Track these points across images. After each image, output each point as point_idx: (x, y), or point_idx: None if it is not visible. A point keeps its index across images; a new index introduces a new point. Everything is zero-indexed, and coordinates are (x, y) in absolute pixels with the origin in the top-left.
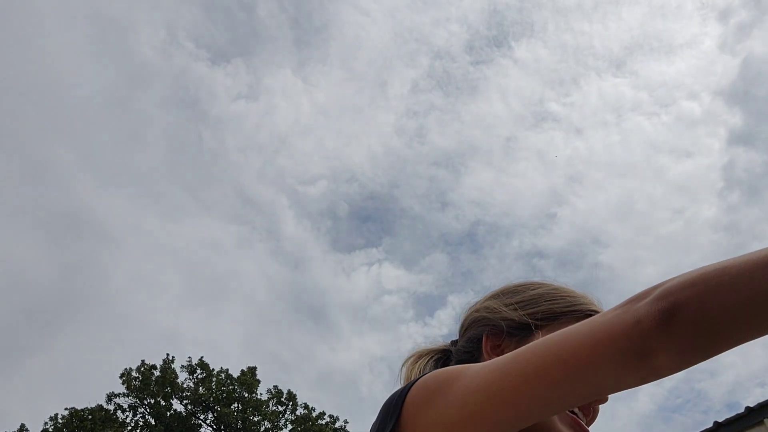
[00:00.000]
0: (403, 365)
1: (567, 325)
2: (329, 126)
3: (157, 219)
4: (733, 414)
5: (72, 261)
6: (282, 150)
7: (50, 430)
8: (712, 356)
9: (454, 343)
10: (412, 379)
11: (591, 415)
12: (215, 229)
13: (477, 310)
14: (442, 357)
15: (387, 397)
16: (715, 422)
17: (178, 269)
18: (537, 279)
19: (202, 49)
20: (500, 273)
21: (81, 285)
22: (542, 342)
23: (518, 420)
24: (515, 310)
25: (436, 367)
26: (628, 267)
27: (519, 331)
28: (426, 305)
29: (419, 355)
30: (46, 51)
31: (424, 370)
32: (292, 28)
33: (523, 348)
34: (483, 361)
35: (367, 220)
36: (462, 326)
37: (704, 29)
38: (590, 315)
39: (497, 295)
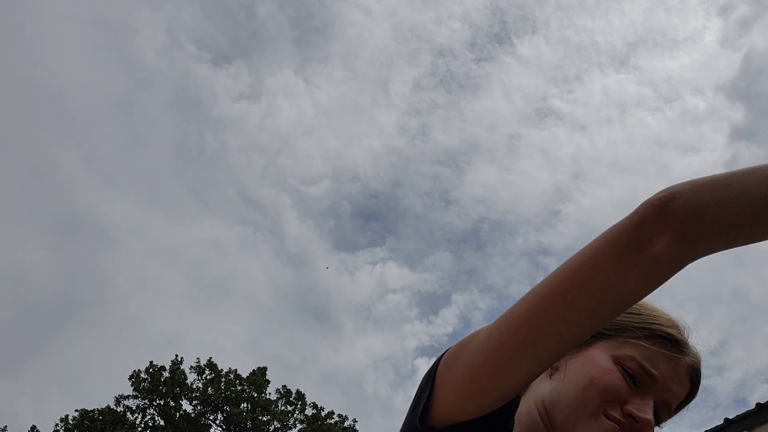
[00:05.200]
0: None
1: (635, 341)
2: (331, 126)
3: (161, 220)
4: (741, 410)
5: (78, 263)
6: (284, 150)
7: (61, 431)
8: (711, 248)
9: None
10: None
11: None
12: (219, 230)
13: None
14: None
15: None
16: (726, 419)
17: (182, 270)
18: None
19: (204, 51)
20: (504, 271)
21: (87, 287)
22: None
23: (539, 344)
24: None
25: None
26: None
27: None
28: (430, 304)
29: None
30: (50, 55)
31: None
32: (293, 29)
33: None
34: None
35: (370, 219)
36: None
37: (706, 24)
38: (661, 336)
39: None
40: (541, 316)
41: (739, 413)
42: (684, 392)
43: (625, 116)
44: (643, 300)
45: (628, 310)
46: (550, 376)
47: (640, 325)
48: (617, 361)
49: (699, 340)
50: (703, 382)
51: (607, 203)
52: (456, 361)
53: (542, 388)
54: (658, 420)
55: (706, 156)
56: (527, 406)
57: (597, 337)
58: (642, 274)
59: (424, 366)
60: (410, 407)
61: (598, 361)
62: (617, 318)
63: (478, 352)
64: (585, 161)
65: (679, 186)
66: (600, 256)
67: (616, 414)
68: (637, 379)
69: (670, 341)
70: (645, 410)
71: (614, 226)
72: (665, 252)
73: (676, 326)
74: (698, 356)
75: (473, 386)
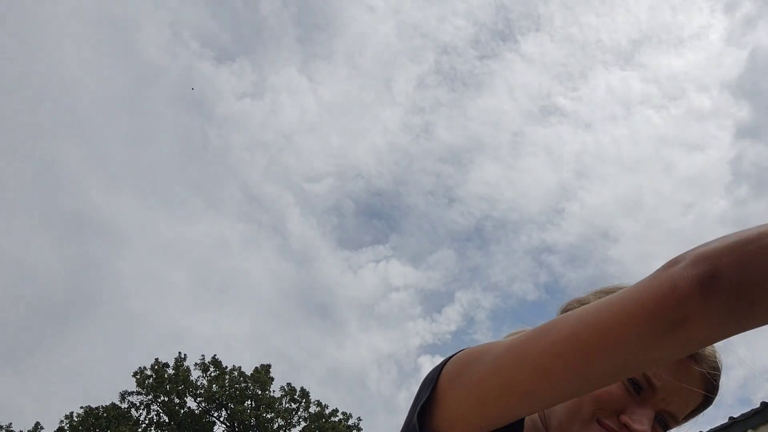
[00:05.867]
0: None
1: None
2: (335, 123)
3: (164, 218)
4: (746, 409)
5: (82, 260)
6: (287, 148)
7: (66, 428)
8: (750, 327)
9: None
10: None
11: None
12: (222, 228)
13: (572, 302)
14: None
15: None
16: (730, 417)
17: (186, 267)
18: None
19: (207, 48)
20: (508, 269)
21: (91, 284)
22: (576, 312)
23: (552, 392)
24: None
25: None
26: (638, 262)
27: None
28: (433, 302)
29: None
30: (53, 52)
31: None
32: (297, 26)
33: (556, 319)
34: None
35: (373, 217)
36: (558, 312)
37: (711, 21)
38: None
39: (597, 292)
40: (558, 367)
41: (743, 412)
42: (694, 403)
43: (630, 114)
44: None
45: None
46: None
47: None
48: None
49: None
50: None
51: (611, 201)
52: (460, 379)
53: None
54: (666, 427)
55: (711, 154)
56: None
57: None
58: (675, 348)
59: (427, 364)
60: (409, 411)
61: None
62: None
63: (485, 380)
64: (589, 159)
65: (721, 254)
66: (631, 327)
67: (610, 422)
68: (638, 387)
69: None
70: (641, 421)
71: (648, 293)
72: (705, 333)
73: None
74: (716, 364)
75: (476, 410)
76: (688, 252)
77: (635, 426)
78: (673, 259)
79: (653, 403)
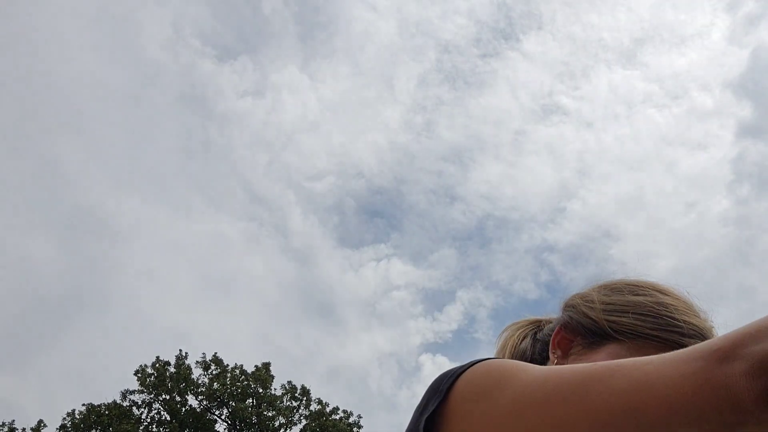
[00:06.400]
0: (504, 331)
1: (645, 349)
2: (336, 122)
3: (166, 216)
4: None
5: (84, 258)
6: (289, 146)
7: (68, 425)
8: None
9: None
10: (474, 360)
11: None
12: (224, 226)
13: (574, 296)
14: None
15: (439, 374)
16: None
17: (188, 265)
18: (656, 282)
19: (209, 47)
20: (509, 268)
21: (93, 281)
22: (611, 382)
23: None
24: (602, 311)
25: (534, 338)
26: (640, 261)
27: (593, 336)
28: (434, 300)
29: (528, 322)
30: (55, 51)
31: (520, 342)
32: (298, 24)
33: (587, 378)
34: (549, 351)
35: (374, 215)
36: (561, 307)
37: (713, 20)
38: (677, 347)
39: (601, 288)
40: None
41: None
42: None
43: (632, 113)
44: (668, 296)
45: (644, 312)
46: None
47: (655, 331)
48: None
49: None
50: None
51: (612, 200)
52: (476, 405)
53: None
54: None
55: (713, 153)
56: None
57: (606, 339)
58: None
59: (428, 362)
60: (414, 418)
61: None
62: (630, 321)
63: (503, 421)
64: (591, 158)
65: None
66: (675, 422)
67: None
68: None
69: None
70: None
71: (699, 393)
72: (755, 427)
73: (699, 334)
74: None
75: None
76: (737, 343)
77: None
78: (723, 351)
79: None
